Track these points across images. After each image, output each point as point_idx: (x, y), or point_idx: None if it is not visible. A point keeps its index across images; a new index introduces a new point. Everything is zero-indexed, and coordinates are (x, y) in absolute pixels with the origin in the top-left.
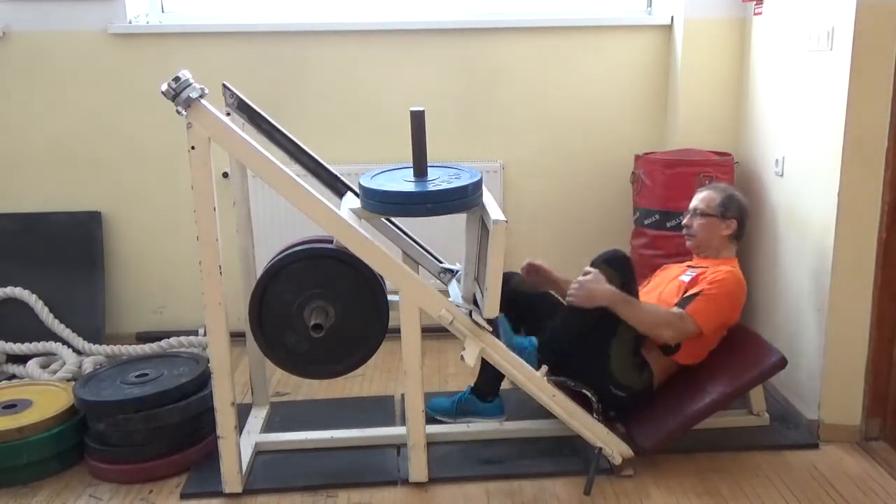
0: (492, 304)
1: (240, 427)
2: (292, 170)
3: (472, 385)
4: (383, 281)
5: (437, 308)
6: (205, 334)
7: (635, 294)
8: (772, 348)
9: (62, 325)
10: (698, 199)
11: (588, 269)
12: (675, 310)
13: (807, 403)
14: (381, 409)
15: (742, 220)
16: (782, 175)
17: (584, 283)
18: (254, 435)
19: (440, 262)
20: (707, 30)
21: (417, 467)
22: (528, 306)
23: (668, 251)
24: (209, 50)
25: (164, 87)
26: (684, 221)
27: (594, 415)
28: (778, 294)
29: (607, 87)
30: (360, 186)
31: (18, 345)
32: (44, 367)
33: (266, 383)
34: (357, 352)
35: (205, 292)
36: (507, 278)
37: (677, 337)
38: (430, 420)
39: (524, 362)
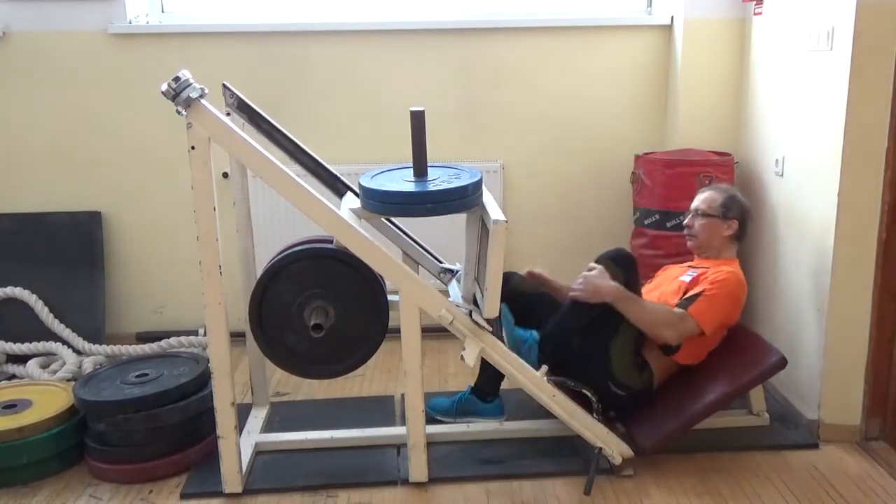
0: (492, 304)
1: (240, 427)
2: (292, 170)
3: (472, 385)
4: (383, 281)
5: (437, 308)
6: (205, 334)
7: (638, 293)
8: (772, 348)
9: (62, 325)
10: (700, 199)
11: (593, 264)
12: (678, 310)
13: (807, 403)
14: (381, 409)
15: (743, 221)
16: (782, 175)
17: (588, 278)
18: (254, 435)
19: (440, 262)
20: (707, 30)
21: (417, 467)
22: (527, 306)
23: (668, 251)
24: (209, 50)
25: (164, 87)
26: (685, 222)
27: (594, 415)
28: (778, 294)
29: (607, 87)
30: (360, 186)
31: (18, 345)
32: (44, 367)
33: (266, 383)
34: (357, 352)
35: (205, 292)
36: (507, 278)
37: (679, 337)
38: (430, 420)
39: (524, 362)
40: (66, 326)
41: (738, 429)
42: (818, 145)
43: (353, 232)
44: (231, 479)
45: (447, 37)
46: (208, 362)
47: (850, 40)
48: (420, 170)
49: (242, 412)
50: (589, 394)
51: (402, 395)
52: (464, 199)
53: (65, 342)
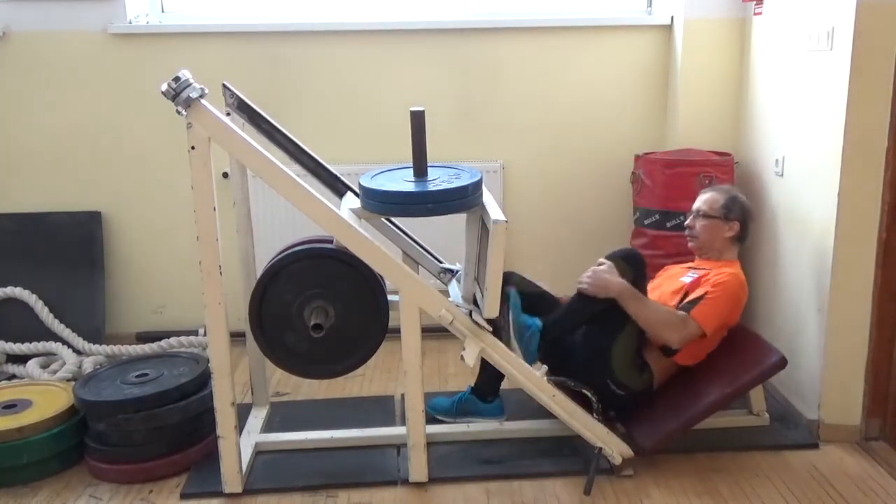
0: (492, 304)
1: (240, 427)
2: (292, 170)
3: (472, 385)
4: (383, 281)
5: (437, 308)
6: (205, 334)
7: (645, 293)
8: (772, 348)
9: (62, 325)
10: (701, 200)
11: (602, 260)
12: (681, 313)
13: (807, 403)
14: (381, 409)
15: (745, 223)
16: (782, 175)
17: (597, 273)
18: (254, 435)
19: (440, 262)
20: (707, 30)
21: (417, 467)
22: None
23: (668, 251)
24: (209, 50)
25: (164, 87)
26: (687, 222)
27: (594, 415)
28: (778, 294)
29: (607, 87)
30: (360, 186)
31: (18, 345)
32: (44, 367)
33: (266, 383)
34: (357, 352)
35: (205, 292)
36: (507, 278)
37: (681, 341)
38: (430, 420)
39: (524, 362)
40: (66, 326)
41: (738, 429)
42: (818, 145)
43: (353, 232)
44: (231, 479)
45: (447, 37)
46: (208, 362)
47: (850, 40)
48: (420, 170)
49: (242, 412)
50: (589, 394)
51: (402, 395)
52: (464, 199)
53: (65, 342)
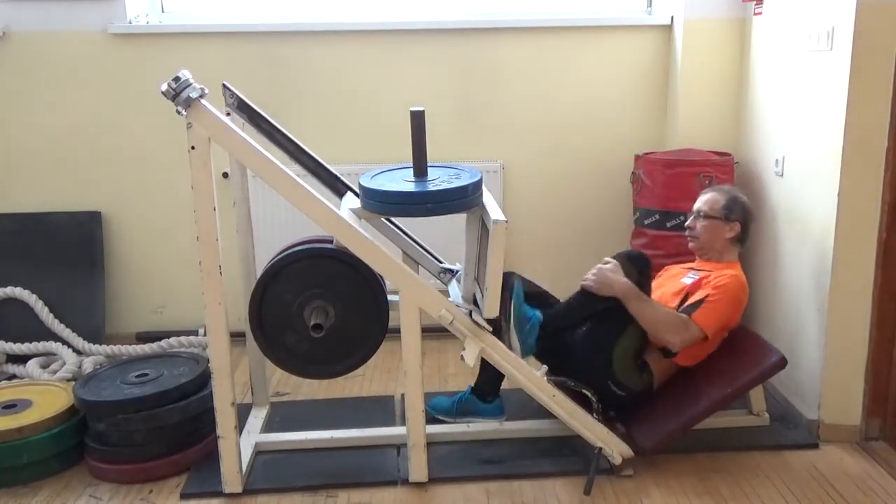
0: (492, 304)
1: (240, 427)
2: (292, 170)
3: (473, 385)
4: (383, 281)
5: (437, 308)
6: (205, 334)
7: (649, 295)
8: (772, 348)
9: (62, 325)
10: (702, 200)
11: (608, 259)
12: (682, 315)
13: (807, 403)
14: (381, 409)
15: (746, 223)
16: (782, 175)
17: (602, 271)
18: (254, 435)
19: (440, 262)
20: (707, 30)
21: (417, 467)
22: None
23: (668, 251)
24: (209, 50)
25: (164, 87)
26: (687, 223)
27: (594, 415)
28: (778, 294)
29: (607, 87)
30: (360, 186)
31: (18, 345)
32: (44, 367)
33: (266, 383)
34: (357, 352)
35: (205, 292)
36: (507, 277)
37: (682, 344)
38: (431, 420)
39: (524, 362)
40: (66, 326)
41: (738, 429)
42: (818, 145)
43: (353, 232)
44: (231, 479)
45: (447, 37)
46: (208, 362)
47: (850, 40)
48: (420, 170)
49: (242, 412)
50: (589, 394)
51: (402, 395)
52: (464, 199)
53: (65, 342)
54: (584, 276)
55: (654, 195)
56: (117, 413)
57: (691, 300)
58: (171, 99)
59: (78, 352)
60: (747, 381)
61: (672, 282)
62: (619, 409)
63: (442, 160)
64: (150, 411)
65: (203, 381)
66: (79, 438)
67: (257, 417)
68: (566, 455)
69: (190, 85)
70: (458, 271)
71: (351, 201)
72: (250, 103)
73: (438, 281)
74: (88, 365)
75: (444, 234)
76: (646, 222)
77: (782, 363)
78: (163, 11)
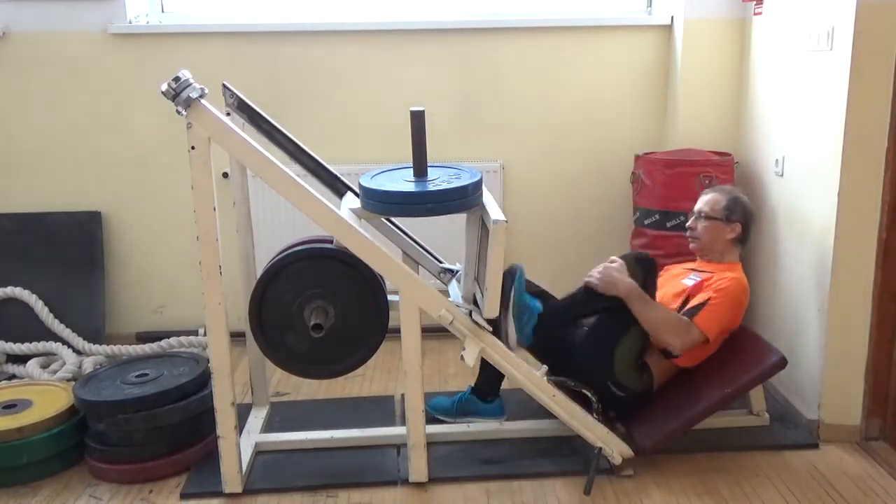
0: (492, 304)
1: (240, 427)
2: (292, 170)
3: (473, 385)
4: (383, 281)
5: (437, 308)
6: (205, 334)
7: (653, 297)
8: (772, 348)
9: (62, 325)
10: (703, 201)
11: (614, 258)
12: (684, 318)
13: (807, 403)
14: (381, 409)
15: (747, 224)
16: (782, 175)
17: (608, 269)
18: (254, 435)
19: (440, 262)
20: (707, 30)
21: (417, 467)
22: None
23: (668, 251)
24: (209, 50)
25: (164, 87)
26: (688, 224)
27: (594, 415)
28: (778, 294)
29: (607, 87)
30: (360, 186)
31: (18, 345)
32: (44, 367)
33: (266, 383)
34: (357, 352)
35: (205, 292)
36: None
37: (682, 347)
38: (431, 420)
39: (523, 362)
40: (66, 326)
41: (738, 429)
42: (818, 145)
43: (353, 232)
44: (231, 479)
45: (447, 37)
46: (208, 362)
47: (850, 40)
48: (420, 170)
49: (242, 412)
50: (589, 394)
51: (402, 395)
52: (464, 199)
53: (65, 342)
54: (589, 273)
55: (654, 195)
56: (117, 413)
57: (693, 303)
58: (171, 99)
59: (78, 352)
60: (747, 381)
61: (673, 283)
62: (618, 409)
63: (442, 160)
64: (150, 411)
65: (203, 381)
66: (79, 438)
67: (257, 417)
68: (566, 455)
69: (190, 85)
70: (458, 271)
71: (351, 201)
72: (250, 103)
73: (438, 281)
74: (88, 365)
75: (444, 234)
76: (646, 222)
77: (782, 363)
78: (163, 11)
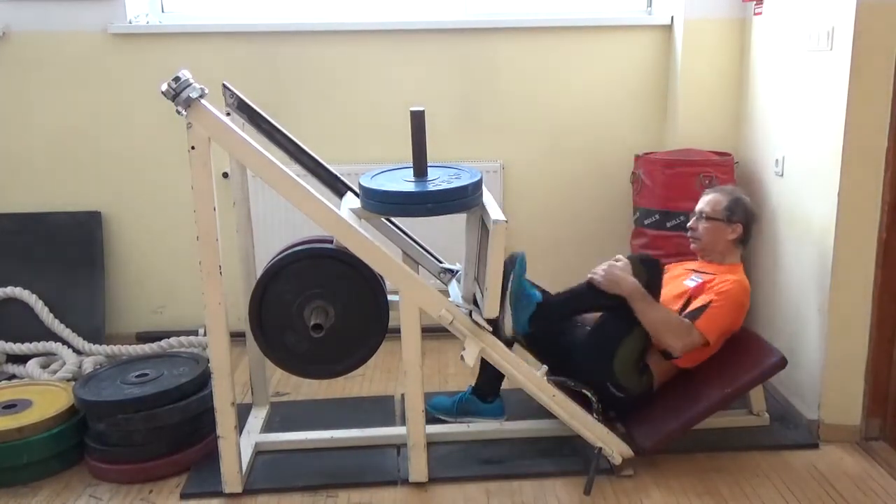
0: (492, 304)
1: (240, 427)
2: (292, 170)
3: (473, 385)
4: (383, 281)
5: (437, 308)
6: (205, 334)
7: (656, 300)
8: (772, 348)
9: (62, 325)
10: (704, 202)
11: (620, 256)
12: (686, 320)
13: (807, 403)
14: (381, 409)
15: (748, 225)
16: (782, 175)
17: (613, 268)
18: (254, 435)
19: (440, 262)
20: (707, 30)
21: (417, 467)
22: None
23: (668, 251)
24: (209, 50)
25: (164, 87)
26: (689, 224)
27: (594, 415)
28: (778, 294)
29: (607, 87)
30: (360, 186)
31: (18, 345)
32: (44, 367)
33: (266, 383)
34: (357, 352)
35: (205, 292)
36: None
37: (682, 349)
38: (431, 420)
39: (523, 362)
40: (66, 326)
41: (738, 429)
42: (818, 145)
43: (353, 232)
44: (231, 479)
45: (447, 37)
46: (208, 362)
47: (850, 40)
48: (420, 170)
49: (242, 412)
50: (589, 394)
51: (402, 395)
52: (464, 199)
53: (65, 342)
54: (594, 270)
55: (654, 195)
56: (117, 413)
57: (694, 305)
58: (171, 99)
59: (78, 352)
60: (747, 381)
61: (674, 284)
62: (617, 409)
63: (442, 160)
64: (150, 411)
65: (203, 381)
66: (79, 438)
67: (257, 417)
68: (566, 455)
69: (190, 85)
70: (458, 271)
71: (351, 201)
72: (250, 103)
73: (438, 281)
74: (88, 365)
75: (444, 234)
76: (646, 222)
77: (782, 363)
78: (163, 11)
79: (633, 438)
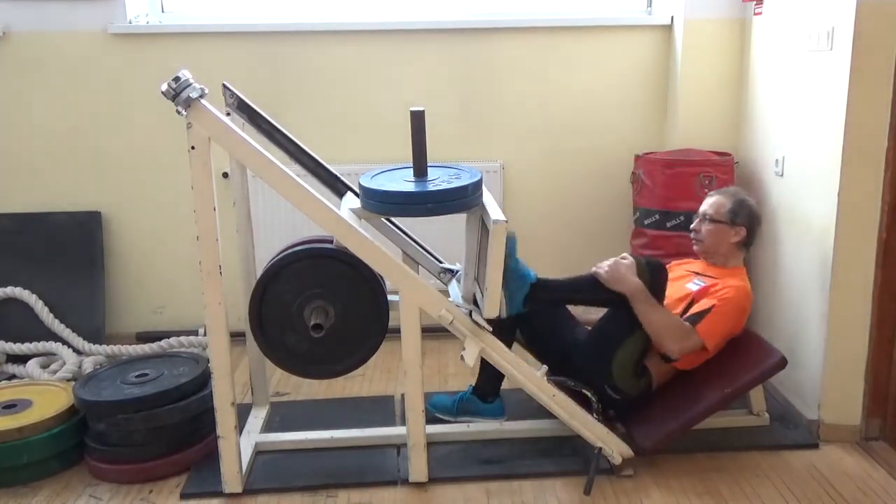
0: (492, 304)
1: (240, 427)
2: (292, 170)
3: (473, 385)
4: (383, 281)
5: (437, 308)
6: (205, 334)
7: (660, 303)
8: (772, 348)
9: (62, 325)
10: (708, 204)
11: (626, 254)
12: (686, 324)
13: (807, 403)
14: (381, 409)
15: (752, 228)
16: (782, 175)
17: (617, 264)
18: (254, 435)
19: (440, 262)
20: (707, 30)
21: (417, 467)
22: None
23: (668, 251)
24: (209, 50)
25: (164, 87)
26: (693, 226)
27: (594, 415)
28: (778, 294)
29: (607, 87)
30: (360, 186)
31: (18, 345)
32: (44, 367)
33: (266, 383)
34: (357, 352)
35: (205, 292)
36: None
37: (681, 353)
38: (431, 420)
39: (523, 362)
40: (66, 326)
41: (738, 429)
42: (818, 145)
43: (353, 232)
44: (231, 479)
45: (447, 37)
46: (208, 362)
47: (850, 40)
48: (420, 170)
49: (242, 412)
50: (589, 394)
51: (402, 395)
52: (464, 199)
53: (65, 342)
54: (598, 265)
55: (654, 195)
56: (117, 413)
57: (696, 308)
58: (171, 99)
59: (78, 352)
60: (747, 382)
61: (676, 285)
62: (615, 409)
63: (442, 160)
64: (150, 411)
65: (203, 381)
66: (79, 438)
67: (257, 417)
68: (566, 455)
69: (190, 85)
70: (458, 271)
71: (351, 201)
72: (250, 103)
73: (438, 281)
74: (88, 365)
75: (444, 234)
76: (646, 222)
77: (782, 363)
78: (163, 11)
79: (633, 438)
